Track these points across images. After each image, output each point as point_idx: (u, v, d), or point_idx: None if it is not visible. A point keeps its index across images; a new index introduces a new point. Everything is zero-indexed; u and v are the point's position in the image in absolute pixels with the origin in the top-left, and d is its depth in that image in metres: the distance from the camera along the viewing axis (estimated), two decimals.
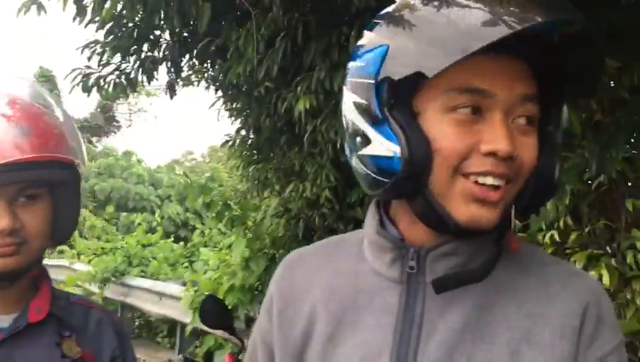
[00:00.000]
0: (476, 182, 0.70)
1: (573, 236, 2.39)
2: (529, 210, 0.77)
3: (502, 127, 0.69)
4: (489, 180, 0.70)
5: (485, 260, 0.75)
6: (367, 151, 0.76)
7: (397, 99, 0.73)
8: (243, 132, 4.82)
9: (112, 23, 4.00)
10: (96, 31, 4.05)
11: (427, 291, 0.77)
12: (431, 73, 0.68)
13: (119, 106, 23.11)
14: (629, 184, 2.36)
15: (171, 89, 4.70)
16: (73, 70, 4.35)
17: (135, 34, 4.09)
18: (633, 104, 2.24)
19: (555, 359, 0.72)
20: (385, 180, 0.74)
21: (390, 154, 0.72)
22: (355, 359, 0.77)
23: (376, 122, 0.74)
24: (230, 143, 4.93)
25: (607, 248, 2.35)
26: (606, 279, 2.16)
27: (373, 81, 0.74)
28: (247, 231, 4.35)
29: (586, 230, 2.40)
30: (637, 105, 2.22)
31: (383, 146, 0.73)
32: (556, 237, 2.44)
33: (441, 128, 0.71)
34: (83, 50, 4.23)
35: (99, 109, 22.13)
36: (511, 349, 0.73)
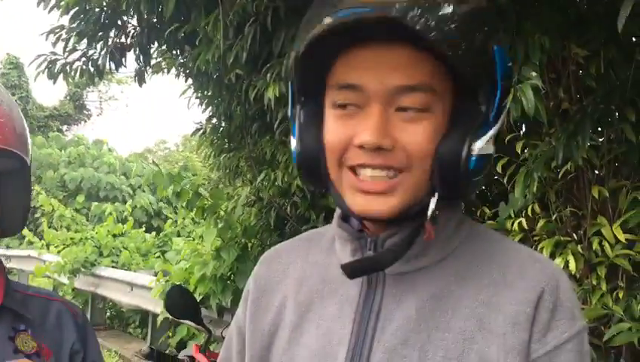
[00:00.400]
0: (358, 174, 0.73)
1: (540, 223, 2.41)
2: (452, 196, 0.75)
3: (371, 120, 0.71)
4: (368, 172, 0.72)
5: (392, 248, 0.75)
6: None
7: (307, 97, 0.79)
8: (214, 120, 4.77)
9: (77, 7, 3.90)
10: (61, 16, 3.95)
11: (386, 281, 0.78)
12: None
13: (89, 94, 22.71)
14: (596, 172, 2.38)
15: (140, 76, 4.62)
16: (38, 56, 4.25)
17: (101, 19, 4.00)
18: (600, 92, 2.26)
19: (507, 347, 0.71)
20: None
21: (292, 148, 0.80)
22: (316, 348, 0.78)
23: (292, 120, 0.80)
24: (201, 132, 4.87)
25: (574, 235, 2.37)
26: (572, 265, 2.18)
27: (290, 83, 0.79)
28: (218, 220, 4.31)
29: (554, 217, 2.42)
30: (603, 93, 2.24)
31: (292, 142, 0.79)
32: (524, 224, 2.45)
33: (328, 123, 0.76)
34: (48, 35, 4.13)
35: (68, 97, 21.69)
36: (464, 338, 0.72)
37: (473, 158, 0.72)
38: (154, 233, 10.30)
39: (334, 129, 0.75)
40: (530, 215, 2.44)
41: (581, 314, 0.76)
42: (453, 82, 0.74)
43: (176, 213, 12.72)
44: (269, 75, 3.15)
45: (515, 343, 0.71)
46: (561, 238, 2.33)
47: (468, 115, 0.73)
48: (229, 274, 4.33)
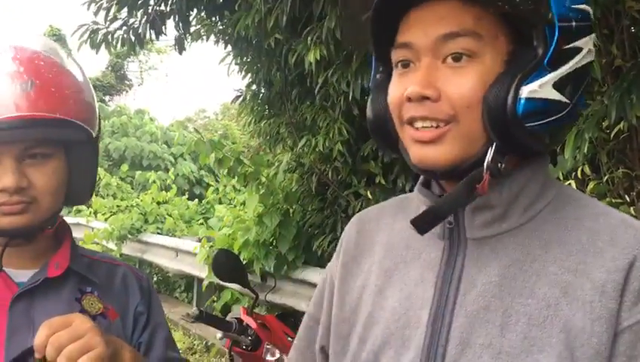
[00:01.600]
0: (413, 126, 0.75)
1: (591, 185, 2.35)
2: (507, 146, 0.72)
3: (418, 72, 0.74)
4: (418, 123, 0.74)
5: (452, 199, 0.75)
6: None
7: (384, 64, 0.83)
8: (254, 87, 4.77)
9: None
10: None
11: (468, 246, 0.78)
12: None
13: (130, 65, 23.00)
14: None
15: (180, 44, 4.63)
16: (80, 26, 4.30)
17: None
18: None
19: (593, 316, 0.69)
20: None
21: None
22: (400, 311, 0.80)
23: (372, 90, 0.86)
24: (241, 99, 4.88)
25: (626, 197, 2.31)
26: None
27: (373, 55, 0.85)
28: (260, 186, 4.34)
29: (605, 179, 2.35)
30: None
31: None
32: (574, 186, 2.39)
33: (392, 83, 0.79)
34: (89, 5, 4.16)
35: (110, 68, 22.02)
36: (548, 304, 0.71)
37: (522, 102, 0.69)
38: (196, 200, 10.47)
39: (394, 87, 0.78)
40: (580, 177, 2.38)
41: None
42: (508, 26, 0.72)
43: (217, 180, 12.88)
44: (309, 38, 3.12)
45: (602, 312, 0.68)
46: (613, 200, 2.27)
47: (522, 59, 0.71)
48: (271, 239, 4.37)
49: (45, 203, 1.05)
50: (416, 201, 0.86)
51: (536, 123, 0.71)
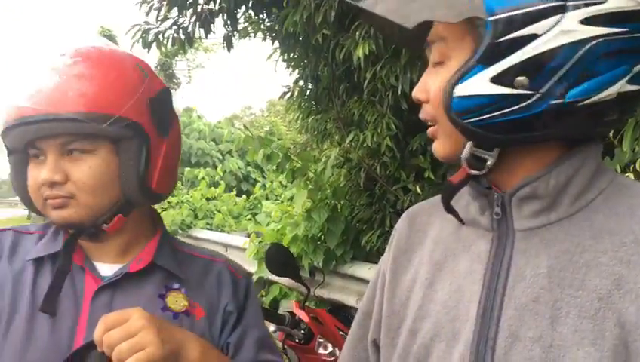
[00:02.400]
0: None
1: None
2: (476, 141, 0.75)
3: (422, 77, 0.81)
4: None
5: (444, 189, 0.81)
6: None
7: None
8: (301, 83, 4.79)
9: None
10: None
11: (516, 237, 0.77)
12: None
13: (178, 63, 23.43)
14: None
15: (228, 42, 4.69)
16: (133, 26, 4.41)
17: None
18: None
19: None
20: None
21: None
22: (449, 304, 0.80)
23: None
24: (288, 95, 4.91)
25: None
26: None
27: None
28: (308, 182, 4.36)
29: None
30: None
31: None
32: (632, 179, 2.32)
33: None
34: (141, 5, 4.26)
35: (159, 67, 22.49)
36: (599, 296, 0.69)
37: (454, 100, 0.72)
38: (244, 196, 10.62)
39: None
40: (638, 170, 2.30)
41: None
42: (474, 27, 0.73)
43: (264, 177, 13.04)
44: (357, 33, 3.11)
45: None
46: None
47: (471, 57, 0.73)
48: (319, 234, 4.39)
49: (84, 199, 1.02)
50: (466, 195, 0.86)
51: (477, 118, 0.72)
